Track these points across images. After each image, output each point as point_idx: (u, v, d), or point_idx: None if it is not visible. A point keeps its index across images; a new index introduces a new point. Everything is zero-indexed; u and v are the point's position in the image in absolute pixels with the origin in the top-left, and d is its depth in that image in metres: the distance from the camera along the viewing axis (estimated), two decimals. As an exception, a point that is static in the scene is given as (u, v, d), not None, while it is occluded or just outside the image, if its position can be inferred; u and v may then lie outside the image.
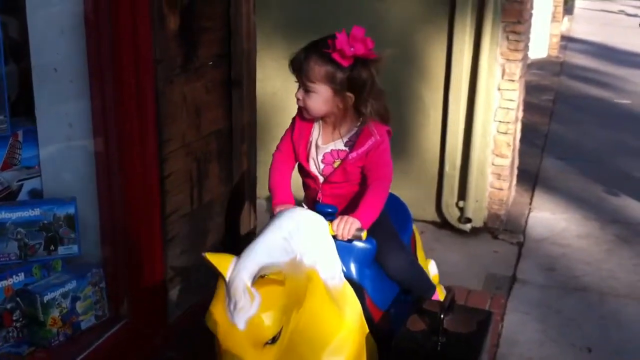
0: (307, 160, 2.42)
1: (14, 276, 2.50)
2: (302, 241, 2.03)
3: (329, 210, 2.32)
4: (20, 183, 2.68)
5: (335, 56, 2.20)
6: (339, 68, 2.22)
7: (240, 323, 1.77)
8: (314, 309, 2.04)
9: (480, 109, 4.27)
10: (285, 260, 1.91)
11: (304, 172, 2.46)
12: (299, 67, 2.28)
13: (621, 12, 18.87)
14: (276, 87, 4.50)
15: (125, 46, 2.45)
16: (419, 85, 4.42)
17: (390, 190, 2.37)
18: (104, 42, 2.45)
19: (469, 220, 4.46)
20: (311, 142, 2.41)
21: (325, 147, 2.39)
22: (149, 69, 2.53)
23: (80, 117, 2.59)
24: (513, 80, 4.28)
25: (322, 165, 2.40)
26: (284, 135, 2.49)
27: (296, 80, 2.32)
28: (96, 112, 2.55)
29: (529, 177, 5.51)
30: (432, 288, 2.68)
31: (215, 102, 3.01)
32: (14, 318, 2.48)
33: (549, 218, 4.84)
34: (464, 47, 4.20)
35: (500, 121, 4.36)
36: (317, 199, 2.43)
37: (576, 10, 17.12)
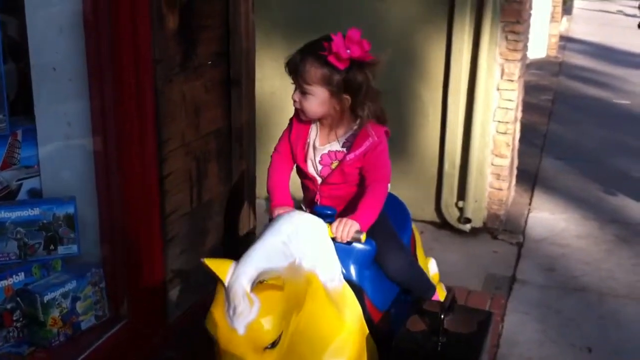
0: (305, 162, 2.42)
1: (13, 276, 2.49)
2: (301, 245, 2.03)
3: (328, 212, 2.31)
4: (19, 182, 2.67)
5: (331, 59, 2.19)
6: (335, 70, 2.21)
7: (240, 328, 1.77)
8: (314, 311, 2.04)
9: (480, 109, 4.27)
10: (284, 265, 1.91)
11: (302, 174, 2.46)
12: (295, 69, 2.27)
13: (620, 12, 18.90)
14: (275, 86, 4.49)
15: (125, 45, 2.45)
16: (418, 85, 4.42)
17: (389, 190, 2.37)
18: (103, 42, 2.45)
19: (468, 221, 4.46)
20: (309, 143, 2.41)
21: (322, 148, 2.39)
22: (148, 68, 2.52)
23: (80, 117, 2.59)
24: (512, 80, 4.29)
25: (319, 167, 2.40)
26: (282, 136, 2.48)
27: (292, 82, 2.31)
28: (95, 111, 2.54)
29: (528, 177, 5.52)
30: (431, 288, 2.68)
31: (214, 101, 3.00)
32: (14, 318, 2.48)
33: (549, 218, 4.84)
34: (463, 47, 4.21)
35: (499, 121, 4.37)
36: (315, 200, 2.42)
37: (575, 11, 17.16)
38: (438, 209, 4.57)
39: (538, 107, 7.78)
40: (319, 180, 2.41)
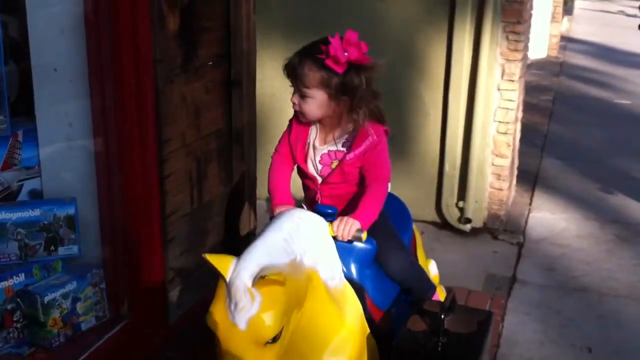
0: (305, 162, 2.42)
1: (14, 277, 2.50)
2: (302, 242, 2.03)
3: (329, 211, 2.32)
4: (20, 183, 2.67)
5: (329, 62, 2.19)
6: (333, 73, 2.21)
7: (241, 323, 1.77)
8: (315, 309, 2.04)
9: (480, 109, 4.27)
10: (286, 261, 1.91)
11: (303, 174, 2.46)
12: (293, 73, 2.28)
13: (620, 12, 18.87)
14: (275, 87, 4.49)
15: (125, 46, 2.45)
16: (419, 85, 4.42)
17: (390, 190, 2.37)
18: (104, 42, 2.45)
19: (468, 221, 4.46)
20: (309, 143, 2.42)
21: (322, 148, 2.39)
22: (148, 69, 2.53)
23: (80, 117, 2.59)
24: (513, 81, 4.29)
25: (320, 167, 2.41)
26: (282, 137, 2.49)
27: (291, 85, 2.32)
28: (96, 112, 2.55)
29: (529, 177, 5.51)
30: (432, 288, 2.68)
31: (215, 102, 3.01)
32: (15, 319, 2.48)
33: (549, 218, 4.84)
34: (464, 47, 4.20)
35: (499, 121, 4.36)
36: (316, 199, 2.43)
37: (576, 11, 17.13)
38: (438, 209, 4.57)
39: (539, 107, 7.78)
40: (320, 179, 2.41)
